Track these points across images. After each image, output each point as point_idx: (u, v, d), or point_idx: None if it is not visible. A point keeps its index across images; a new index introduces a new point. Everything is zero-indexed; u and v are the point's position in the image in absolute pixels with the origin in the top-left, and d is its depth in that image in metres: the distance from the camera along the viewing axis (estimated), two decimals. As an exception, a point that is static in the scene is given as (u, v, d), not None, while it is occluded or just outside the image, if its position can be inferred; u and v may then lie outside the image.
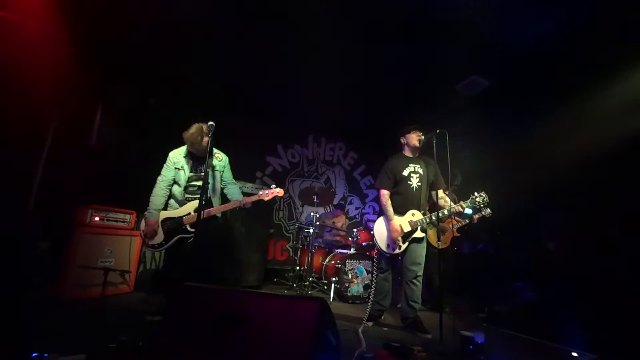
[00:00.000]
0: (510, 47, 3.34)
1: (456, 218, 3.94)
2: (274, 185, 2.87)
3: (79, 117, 3.56)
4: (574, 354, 2.41)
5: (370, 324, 2.92)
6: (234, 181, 3.06)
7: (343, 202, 6.32)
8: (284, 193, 2.91)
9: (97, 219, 3.24)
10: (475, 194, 2.92)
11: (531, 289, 3.66)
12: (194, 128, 2.73)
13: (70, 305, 2.77)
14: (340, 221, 5.23)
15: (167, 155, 2.84)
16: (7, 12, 2.14)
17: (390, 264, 3.04)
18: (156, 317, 2.49)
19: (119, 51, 3.79)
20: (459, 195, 4.24)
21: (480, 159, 5.03)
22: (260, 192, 2.80)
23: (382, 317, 3.08)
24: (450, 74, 3.91)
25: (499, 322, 3.22)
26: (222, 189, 2.98)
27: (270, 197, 2.80)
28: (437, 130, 2.84)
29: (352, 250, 4.26)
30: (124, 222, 3.46)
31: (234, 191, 2.98)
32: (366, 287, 3.99)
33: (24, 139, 2.05)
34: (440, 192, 3.03)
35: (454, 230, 3.94)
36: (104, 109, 3.89)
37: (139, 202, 3.37)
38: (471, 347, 2.25)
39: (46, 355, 1.58)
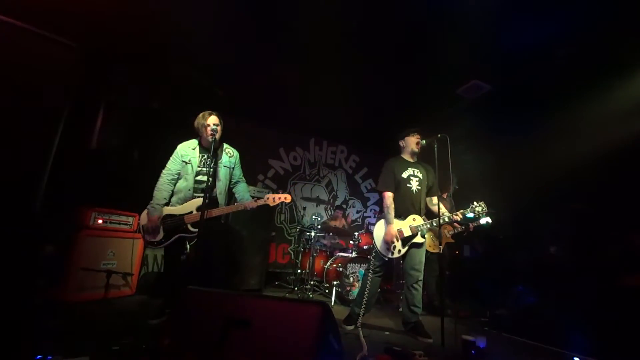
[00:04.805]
0: (510, 51, 3.36)
1: (452, 225, 4.05)
2: (281, 191, 2.80)
3: (82, 120, 3.59)
4: (576, 358, 2.40)
5: (350, 327, 2.87)
6: (243, 179, 2.95)
7: (344, 206, 6.33)
8: (290, 200, 2.83)
9: (100, 221, 3.26)
10: (475, 203, 2.91)
11: (533, 293, 3.65)
12: (199, 115, 2.72)
13: (73, 307, 2.78)
14: (341, 223, 5.24)
15: (169, 156, 2.78)
16: (11, 17, 2.17)
17: (385, 267, 3.01)
18: (158, 319, 2.50)
19: (121, 53, 3.83)
20: (456, 199, 4.30)
21: (481, 162, 5.04)
22: (267, 197, 2.70)
23: (359, 324, 2.85)
24: (451, 78, 3.93)
25: (501, 327, 3.22)
26: (232, 187, 2.88)
27: (277, 202, 2.72)
28: (439, 135, 2.86)
29: (354, 254, 4.26)
30: (126, 224, 3.48)
31: (242, 189, 2.87)
32: (367, 290, 3.99)
33: (30, 143, 2.07)
34: (434, 199, 3.06)
35: (449, 236, 4.03)
36: (106, 112, 3.91)
37: (142, 204, 3.39)
38: (473, 351, 2.25)
39: (50, 357, 1.59)
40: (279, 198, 2.71)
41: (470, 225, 4.03)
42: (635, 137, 3.36)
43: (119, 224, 3.42)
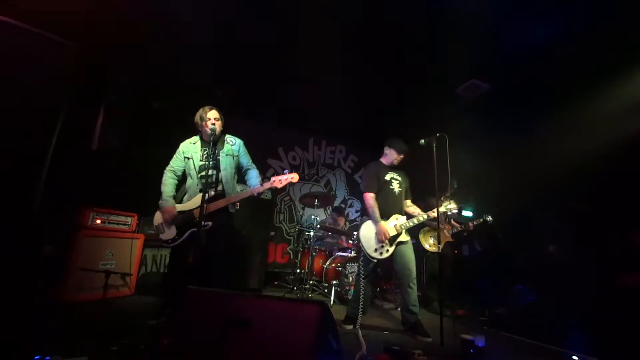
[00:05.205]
0: (510, 51, 3.36)
1: (451, 223, 4.06)
2: (287, 170, 2.62)
3: (81, 120, 3.58)
4: (575, 357, 2.40)
5: (349, 327, 2.89)
6: (253, 166, 2.87)
7: (343, 205, 6.32)
8: (297, 180, 2.64)
9: (98, 221, 3.26)
10: (446, 202, 3.05)
11: (532, 292, 3.66)
12: (199, 110, 2.71)
13: (72, 307, 2.78)
14: (340, 224, 5.24)
15: (168, 156, 2.79)
16: (11, 17, 2.17)
17: (374, 269, 3.06)
18: (157, 320, 2.50)
19: (120, 52, 3.82)
20: (456, 199, 4.31)
21: (480, 162, 5.04)
22: (273, 179, 2.57)
23: (358, 323, 2.89)
24: (450, 77, 3.93)
25: (500, 326, 3.22)
26: (243, 175, 2.83)
27: (284, 183, 2.56)
28: (437, 134, 2.87)
29: (353, 253, 4.26)
30: (125, 224, 3.47)
31: (253, 176, 2.80)
32: (367, 290, 3.99)
33: (28, 143, 2.07)
34: (409, 202, 3.27)
35: (448, 235, 4.05)
36: (105, 111, 3.90)
37: (141, 204, 3.39)
38: (472, 350, 2.25)
39: (48, 357, 1.59)
40: (286, 179, 2.56)
41: (470, 224, 4.04)
42: (635, 137, 3.36)
43: (118, 224, 3.41)
